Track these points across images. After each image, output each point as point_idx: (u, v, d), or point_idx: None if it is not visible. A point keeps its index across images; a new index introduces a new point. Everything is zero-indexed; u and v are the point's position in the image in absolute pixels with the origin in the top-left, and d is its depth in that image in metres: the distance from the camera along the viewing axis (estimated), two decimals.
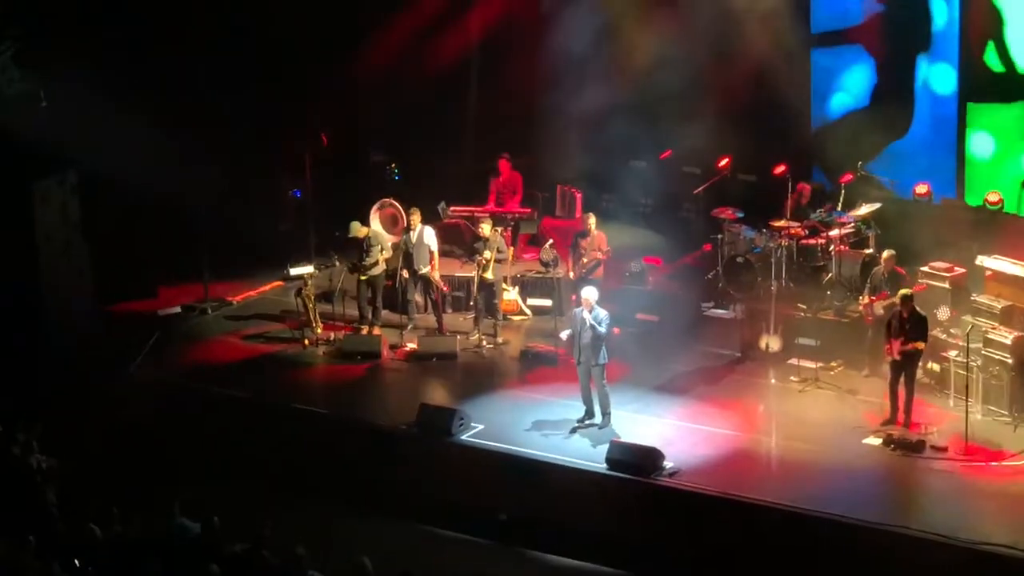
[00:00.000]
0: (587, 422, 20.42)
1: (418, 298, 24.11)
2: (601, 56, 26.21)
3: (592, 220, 23.55)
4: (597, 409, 20.38)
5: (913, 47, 25.28)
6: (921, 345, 19.90)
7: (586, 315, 20.00)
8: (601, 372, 20.18)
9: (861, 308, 21.57)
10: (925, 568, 17.27)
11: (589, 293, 20.23)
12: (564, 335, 20.60)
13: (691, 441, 19.93)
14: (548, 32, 26.81)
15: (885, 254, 21.65)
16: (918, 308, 19.96)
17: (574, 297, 21.25)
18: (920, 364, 20.33)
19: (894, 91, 25.49)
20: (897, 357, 19.86)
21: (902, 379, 19.96)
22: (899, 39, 25.37)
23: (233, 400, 21.86)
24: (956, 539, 17.24)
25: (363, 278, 23.50)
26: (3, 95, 23.50)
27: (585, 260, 23.22)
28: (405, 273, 23.52)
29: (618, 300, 23.40)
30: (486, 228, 23.44)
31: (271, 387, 22.18)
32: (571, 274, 23.42)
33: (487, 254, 23.14)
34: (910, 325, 19.81)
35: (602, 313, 20.10)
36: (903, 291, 20.08)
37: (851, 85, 26.07)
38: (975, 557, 17.04)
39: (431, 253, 23.69)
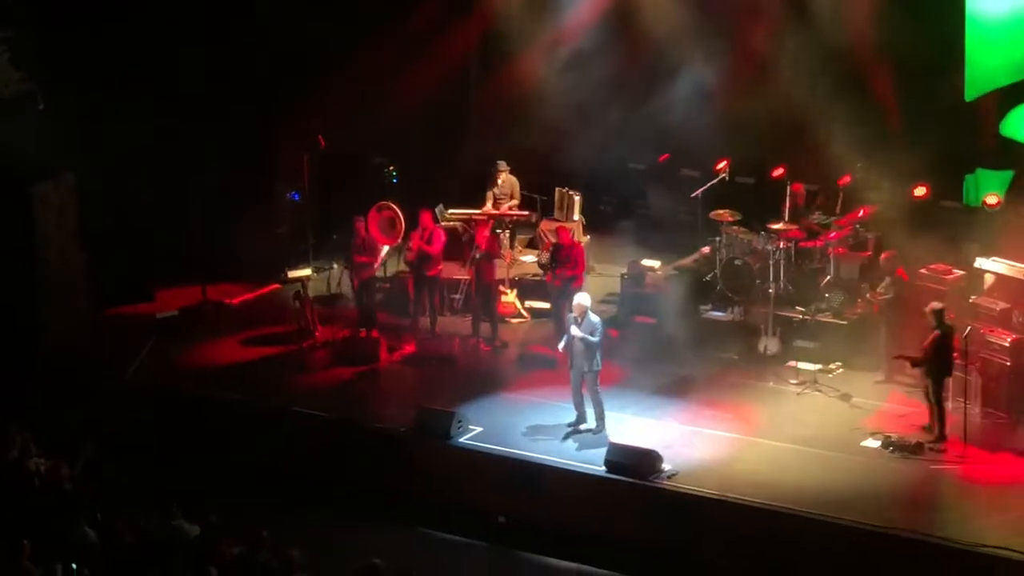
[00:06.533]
0: (579, 427, 20.40)
1: (416, 300, 24.04)
2: (600, 58, 26.21)
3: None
4: (589, 413, 20.35)
5: None
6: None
7: (574, 326, 19.99)
8: (594, 378, 20.14)
9: (869, 298, 21.00)
10: (922, 570, 17.33)
11: (581, 299, 20.17)
12: (561, 346, 20.50)
13: (689, 444, 19.93)
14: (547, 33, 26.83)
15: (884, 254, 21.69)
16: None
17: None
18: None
19: None
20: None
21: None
22: None
23: (231, 403, 21.85)
24: (953, 541, 17.28)
25: (360, 280, 23.40)
26: (0, 98, 23.46)
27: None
28: (407, 275, 23.47)
29: (616, 303, 23.46)
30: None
31: (269, 390, 22.14)
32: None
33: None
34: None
35: (595, 319, 20.06)
36: (934, 305, 19.93)
37: None
38: (971, 559, 17.07)
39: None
